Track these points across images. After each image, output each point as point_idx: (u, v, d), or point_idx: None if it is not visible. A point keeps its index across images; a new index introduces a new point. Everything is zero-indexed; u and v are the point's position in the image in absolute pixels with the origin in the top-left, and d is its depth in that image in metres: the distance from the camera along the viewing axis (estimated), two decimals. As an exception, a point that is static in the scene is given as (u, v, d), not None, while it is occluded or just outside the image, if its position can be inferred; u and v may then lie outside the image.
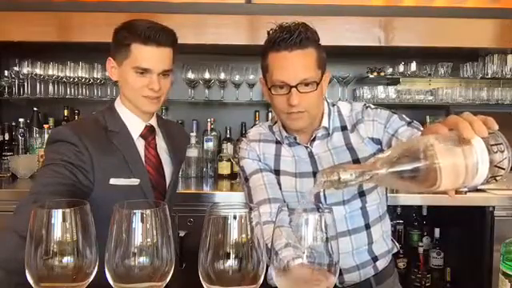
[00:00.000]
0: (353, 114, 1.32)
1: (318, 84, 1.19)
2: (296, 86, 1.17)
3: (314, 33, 1.23)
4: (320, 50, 1.23)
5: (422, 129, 1.24)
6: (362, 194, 1.30)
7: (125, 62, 1.27)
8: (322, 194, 1.29)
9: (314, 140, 1.30)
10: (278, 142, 1.35)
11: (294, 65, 1.18)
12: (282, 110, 1.23)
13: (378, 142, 1.28)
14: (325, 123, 1.30)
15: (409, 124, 1.25)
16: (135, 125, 1.34)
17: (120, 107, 1.35)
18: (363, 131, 1.29)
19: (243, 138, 1.42)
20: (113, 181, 1.25)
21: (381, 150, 1.29)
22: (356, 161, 1.28)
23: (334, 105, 1.35)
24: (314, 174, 1.30)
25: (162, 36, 1.26)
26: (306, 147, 1.31)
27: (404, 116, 1.30)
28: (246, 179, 1.35)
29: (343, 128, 1.32)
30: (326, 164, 1.28)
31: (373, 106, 1.33)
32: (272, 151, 1.35)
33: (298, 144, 1.32)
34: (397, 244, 1.43)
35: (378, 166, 0.71)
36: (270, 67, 1.22)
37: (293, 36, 1.17)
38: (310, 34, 1.20)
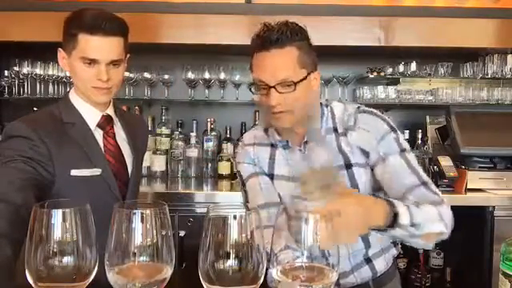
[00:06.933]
0: (345, 116, 1.28)
1: (296, 83, 1.17)
2: (274, 87, 1.16)
3: (298, 31, 1.20)
4: (304, 49, 1.19)
5: (410, 159, 1.21)
6: None
7: (73, 52, 1.24)
8: None
9: (306, 142, 1.28)
10: (272, 145, 1.34)
11: (272, 64, 1.16)
12: (265, 109, 1.22)
13: (366, 154, 1.25)
14: (316, 126, 1.27)
15: (402, 152, 1.21)
16: (91, 115, 1.33)
17: (75, 98, 1.33)
18: (353, 139, 1.25)
19: (239, 142, 1.42)
20: (74, 172, 1.24)
21: (367, 163, 1.25)
22: (349, 165, 1.25)
23: (327, 105, 1.32)
24: None
25: (110, 25, 1.23)
26: (300, 150, 1.29)
27: (400, 137, 1.25)
28: (243, 184, 1.35)
29: (335, 130, 1.28)
30: None
31: (367, 110, 1.29)
32: (266, 155, 1.34)
33: (291, 147, 1.30)
34: (398, 245, 1.40)
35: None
36: (252, 67, 1.22)
37: (271, 35, 1.16)
38: (292, 32, 1.18)
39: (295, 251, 0.68)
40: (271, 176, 1.33)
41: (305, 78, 1.19)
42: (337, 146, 1.27)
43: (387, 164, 1.21)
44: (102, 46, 1.23)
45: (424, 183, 1.19)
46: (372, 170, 1.26)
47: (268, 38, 1.16)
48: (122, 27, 1.27)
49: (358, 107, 1.30)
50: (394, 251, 1.37)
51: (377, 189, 1.27)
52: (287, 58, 1.17)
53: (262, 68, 1.18)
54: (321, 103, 1.32)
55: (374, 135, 1.23)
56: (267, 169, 1.33)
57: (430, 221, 1.10)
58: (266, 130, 1.37)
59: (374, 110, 1.29)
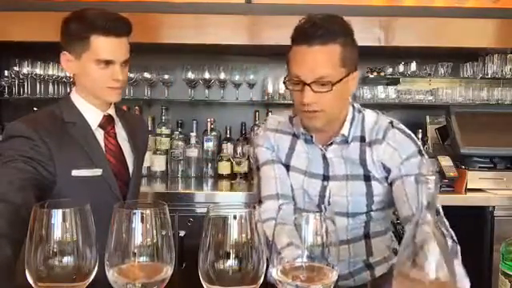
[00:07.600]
0: (375, 127, 1.25)
1: (333, 84, 1.11)
2: (310, 84, 1.11)
3: (344, 27, 1.15)
4: (348, 46, 1.14)
5: (430, 187, 1.17)
6: (369, 210, 1.26)
7: (84, 54, 1.24)
8: (326, 200, 1.28)
9: (330, 144, 1.26)
10: (294, 135, 1.31)
11: (311, 61, 1.11)
12: (297, 105, 1.18)
13: (387, 170, 1.22)
14: (344, 131, 1.24)
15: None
16: (93, 115, 1.33)
17: (76, 99, 1.33)
18: (378, 153, 1.22)
19: (261, 125, 1.39)
20: (75, 172, 1.24)
21: (386, 178, 1.23)
22: (367, 177, 1.23)
23: (359, 111, 1.28)
24: (324, 176, 1.27)
25: (120, 26, 1.25)
26: (321, 149, 1.27)
27: (426, 161, 1.23)
28: (258, 168, 1.33)
29: (362, 139, 1.25)
30: (338, 171, 1.25)
31: (400, 128, 1.25)
32: (286, 144, 1.31)
33: (314, 143, 1.28)
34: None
35: None
36: (289, 60, 1.16)
37: (315, 30, 1.10)
38: (337, 28, 1.13)
39: (298, 248, 0.68)
40: (287, 167, 1.30)
41: (343, 78, 1.14)
42: (359, 155, 1.24)
43: (406, 184, 1.17)
44: (116, 47, 1.24)
45: (437, 212, 1.15)
46: (390, 185, 1.23)
47: (311, 33, 1.10)
48: (128, 26, 1.28)
49: (391, 122, 1.26)
50: (395, 259, 1.36)
51: (391, 204, 1.26)
52: (328, 55, 1.12)
53: (299, 63, 1.13)
54: (353, 106, 1.28)
55: (400, 154, 1.21)
56: (284, 158, 1.31)
57: (458, 281, 1.06)
58: (290, 119, 1.34)
59: (406, 129, 1.26)
